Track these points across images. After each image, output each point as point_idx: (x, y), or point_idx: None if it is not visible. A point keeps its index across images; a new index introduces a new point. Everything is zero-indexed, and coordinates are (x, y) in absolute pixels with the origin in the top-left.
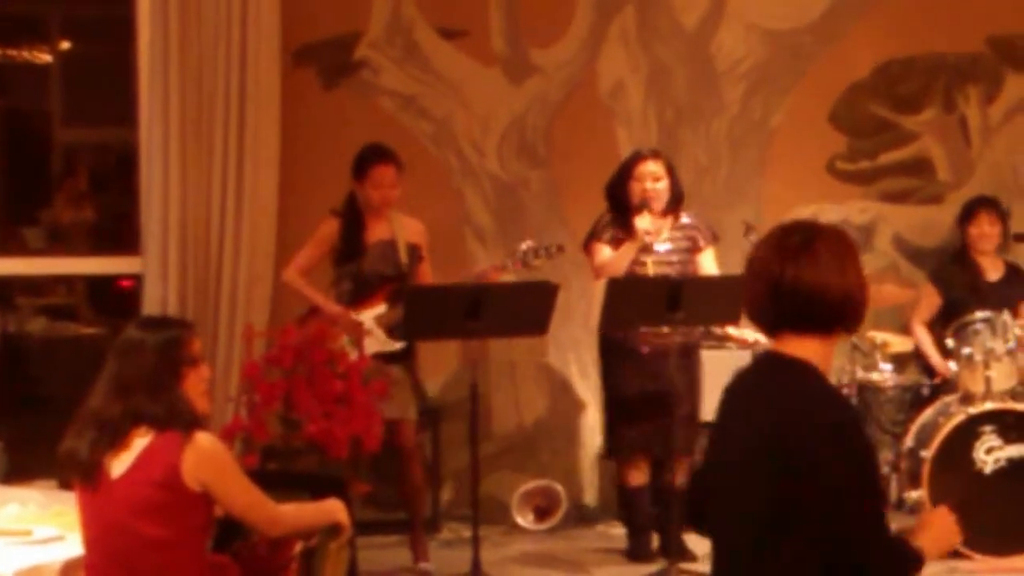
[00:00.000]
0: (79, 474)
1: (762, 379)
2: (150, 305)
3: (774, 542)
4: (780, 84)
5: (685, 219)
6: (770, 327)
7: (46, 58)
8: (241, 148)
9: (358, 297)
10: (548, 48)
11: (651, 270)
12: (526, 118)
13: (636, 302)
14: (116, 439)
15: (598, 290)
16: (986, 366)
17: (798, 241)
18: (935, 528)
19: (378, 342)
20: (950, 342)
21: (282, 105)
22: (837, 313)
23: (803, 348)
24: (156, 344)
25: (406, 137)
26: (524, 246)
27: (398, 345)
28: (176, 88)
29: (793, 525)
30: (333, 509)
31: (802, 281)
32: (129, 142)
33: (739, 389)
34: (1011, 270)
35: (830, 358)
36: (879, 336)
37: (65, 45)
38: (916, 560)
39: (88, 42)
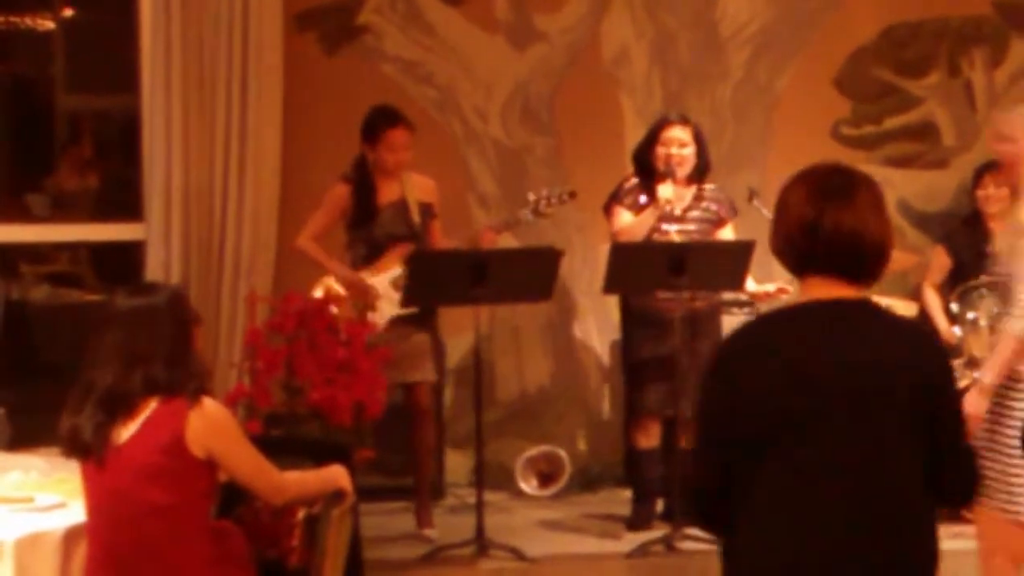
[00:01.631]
0: (84, 452)
1: (857, 319)
2: (153, 272)
3: (913, 462)
4: (785, 49)
5: (709, 191)
6: (799, 268)
7: (49, 25)
8: (243, 114)
9: (372, 260)
10: (552, 14)
11: (677, 240)
12: (530, 84)
13: (640, 266)
14: (128, 412)
15: (602, 256)
16: (991, 331)
17: (838, 183)
18: None
19: (393, 305)
20: (955, 306)
21: (284, 71)
22: (871, 260)
23: (832, 292)
24: (168, 310)
25: (409, 103)
26: (534, 195)
27: (413, 308)
28: (178, 54)
29: (924, 439)
30: (336, 476)
31: (843, 224)
32: (132, 109)
33: (820, 335)
34: None
35: None
36: (884, 301)
37: (68, 12)
38: None
39: (90, 9)
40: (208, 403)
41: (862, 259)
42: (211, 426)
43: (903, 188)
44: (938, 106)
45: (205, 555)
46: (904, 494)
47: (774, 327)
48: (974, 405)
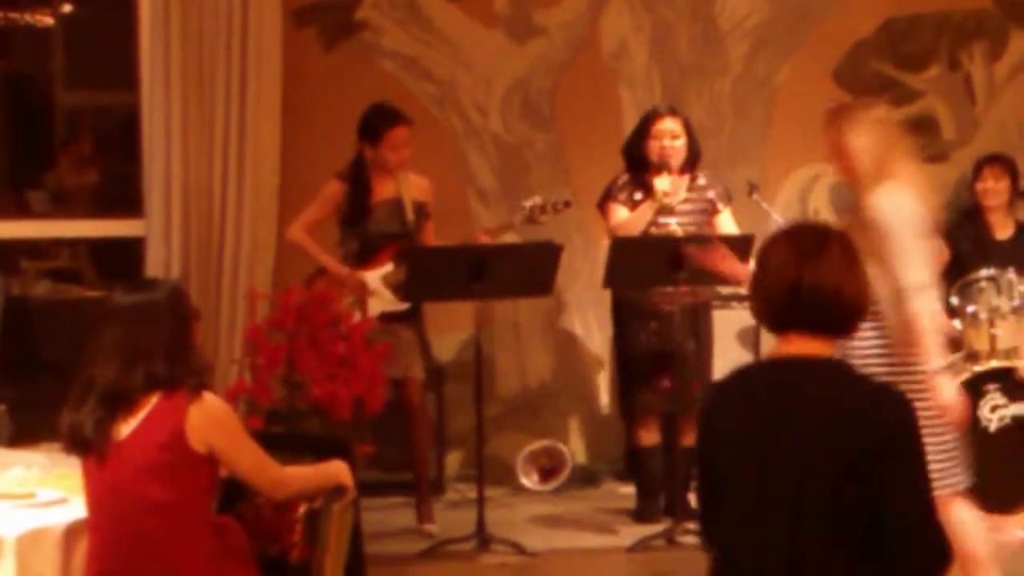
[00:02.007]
0: (85, 448)
1: (815, 381)
2: (153, 268)
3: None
4: (784, 43)
5: (701, 180)
6: (779, 326)
7: (48, 21)
8: (242, 110)
9: (365, 257)
10: (551, 8)
11: (678, 233)
12: (529, 79)
13: (640, 261)
14: (129, 408)
15: (603, 251)
16: (991, 324)
17: (813, 242)
18: None
19: (384, 302)
20: (954, 299)
21: (283, 67)
22: (848, 315)
23: (806, 347)
24: (168, 306)
25: (408, 99)
26: (530, 202)
27: (404, 304)
28: (177, 50)
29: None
30: (337, 471)
31: (822, 283)
32: (132, 105)
33: (777, 393)
34: (1021, 229)
35: None
36: None
37: (67, 8)
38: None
39: (90, 5)
40: (209, 398)
41: (840, 315)
42: (212, 421)
43: None
44: (938, 100)
45: (205, 551)
46: (815, 561)
47: (744, 378)
48: (942, 394)
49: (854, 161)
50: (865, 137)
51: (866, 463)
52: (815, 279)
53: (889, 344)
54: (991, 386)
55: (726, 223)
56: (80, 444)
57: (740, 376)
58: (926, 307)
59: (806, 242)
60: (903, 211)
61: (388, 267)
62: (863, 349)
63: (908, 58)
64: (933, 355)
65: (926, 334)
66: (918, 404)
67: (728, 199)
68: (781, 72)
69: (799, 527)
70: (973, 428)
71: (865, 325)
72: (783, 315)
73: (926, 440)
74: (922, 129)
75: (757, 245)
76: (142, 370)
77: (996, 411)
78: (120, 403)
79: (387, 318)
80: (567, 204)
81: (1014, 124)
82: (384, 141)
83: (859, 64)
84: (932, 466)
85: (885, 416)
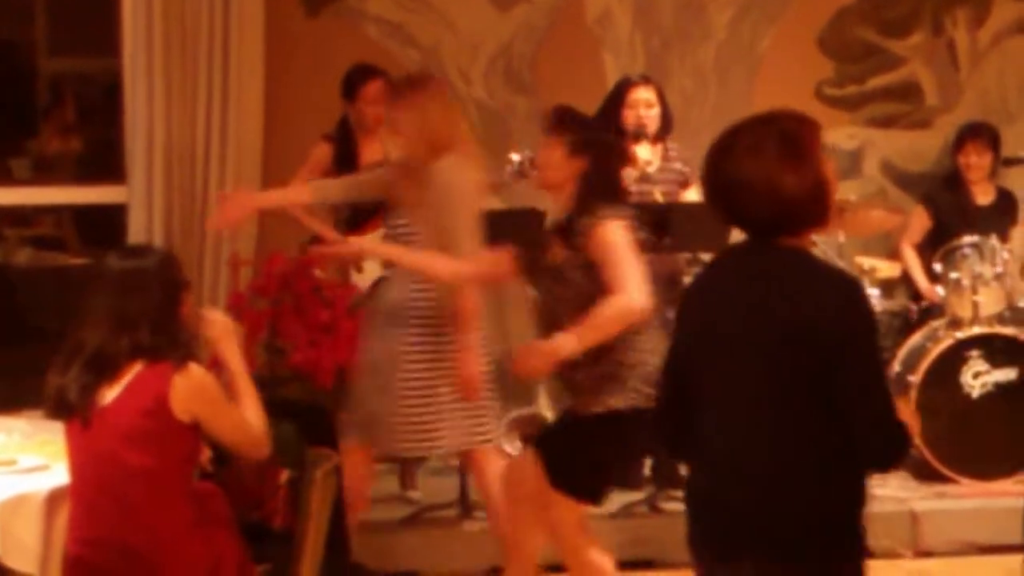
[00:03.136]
0: (69, 412)
1: (767, 264)
2: (135, 234)
3: (801, 414)
4: (768, 9)
5: (673, 150)
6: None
7: None
8: (225, 76)
9: (356, 221)
10: None
11: (661, 200)
12: (513, 45)
13: None
14: (114, 374)
15: None
16: (974, 291)
17: (726, 134)
18: None
19: (377, 267)
20: (938, 266)
21: (266, 32)
22: (760, 208)
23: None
24: (158, 275)
25: (392, 65)
26: (518, 157)
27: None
28: (159, 16)
29: (822, 395)
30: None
31: (721, 174)
32: (114, 71)
33: (734, 275)
34: (1002, 195)
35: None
36: (867, 261)
37: None
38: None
39: None
40: (194, 368)
41: (748, 207)
42: (196, 391)
43: (886, 148)
44: (921, 66)
45: (187, 518)
46: (779, 439)
47: (712, 268)
48: (468, 367)
49: (413, 135)
50: (422, 111)
51: (831, 348)
52: (714, 170)
53: (433, 306)
54: (973, 352)
55: (692, 197)
56: (64, 408)
57: (712, 267)
58: (470, 278)
59: (722, 136)
60: (461, 185)
61: (382, 231)
62: (413, 300)
63: (892, 24)
64: (469, 327)
65: (467, 305)
66: (445, 369)
67: (695, 173)
68: (765, 39)
69: (763, 410)
70: (955, 394)
71: (417, 284)
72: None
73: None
74: (906, 95)
75: None
76: (128, 337)
77: (979, 377)
78: (105, 368)
79: (384, 282)
80: None
81: (997, 90)
82: (360, 96)
83: (843, 30)
84: (466, 423)
85: (850, 308)
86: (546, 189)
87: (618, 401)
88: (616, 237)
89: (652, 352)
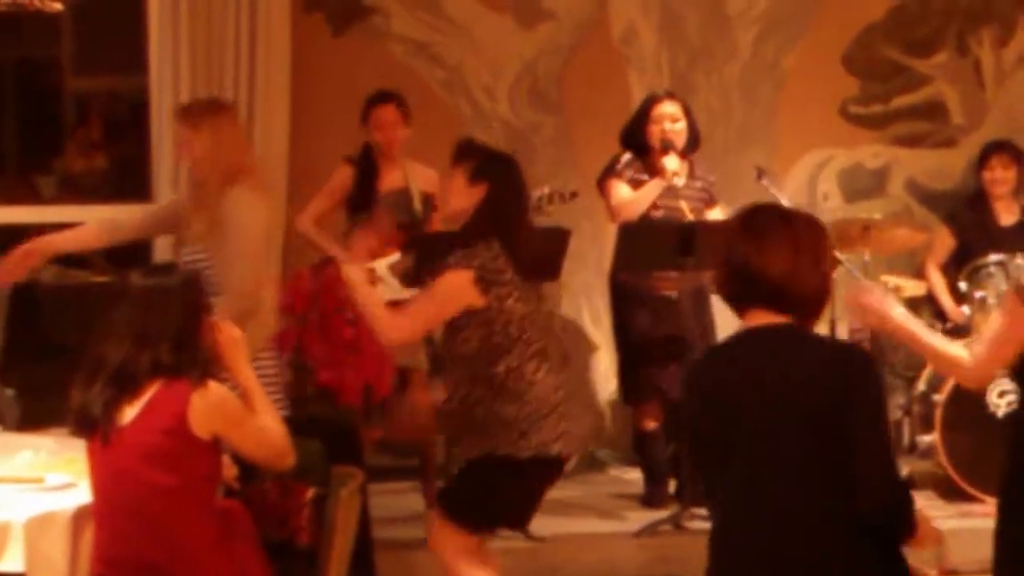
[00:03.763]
0: (91, 429)
1: (775, 345)
2: (161, 254)
3: (816, 488)
4: (793, 27)
5: (698, 168)
6: (738, 305)
7: (57, 7)
8: (251, 95)
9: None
10: None
11: (688, 215)
12: (538, 64)
13: (649, 247)
14: (135, 391)
15: (611, 236)
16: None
17: (756, 223)
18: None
19: (391, 290)
20: (963, 285)
21: (292, 51)
22: (800, 298)
23: (771, 320)
24: (181, 294)
25: (417, 84)
26: (538, 193)
27: (411, 293)
28: (186, 35)
29: (833, 469)
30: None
31: (750, 260)
32: (141, 90)
33: (747, 358)
34: None
35: None
36: (892, 280)
37: None
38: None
39: None
40: (212, 386)
41: (792, 297)
42: (214, 408)
43: (911, 167)
44: (947, 85)
45: (210, 535)
46: (804, 512)
47: (722, 349)
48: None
49: (205, 160)
50: (215, 136)
51: (834, 416)
52: (762, 263)
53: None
54: (999, 371)
55: (718, 215)
56: (87, 424)
57: (717, 348)
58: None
59: (750, 222)
60: (250, 214)
61: (396, 256)
62: None
63: (917, 43)
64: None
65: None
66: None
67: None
68: (790, 57)
69: (781, 484)
70: (981, 414)
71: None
72: (738, 296)
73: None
74: (931, 114)
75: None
76: (148, 354)
77: (1004, 396)
78: (127, 385)
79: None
80: (574, 195)
81: (1022, 109)
82: (370, 120)
83: (868, 49)
84: None
85: (851, 371)
86: (449, 219)
87: (489, 447)
88: (446, 286)
89: (542, 400)
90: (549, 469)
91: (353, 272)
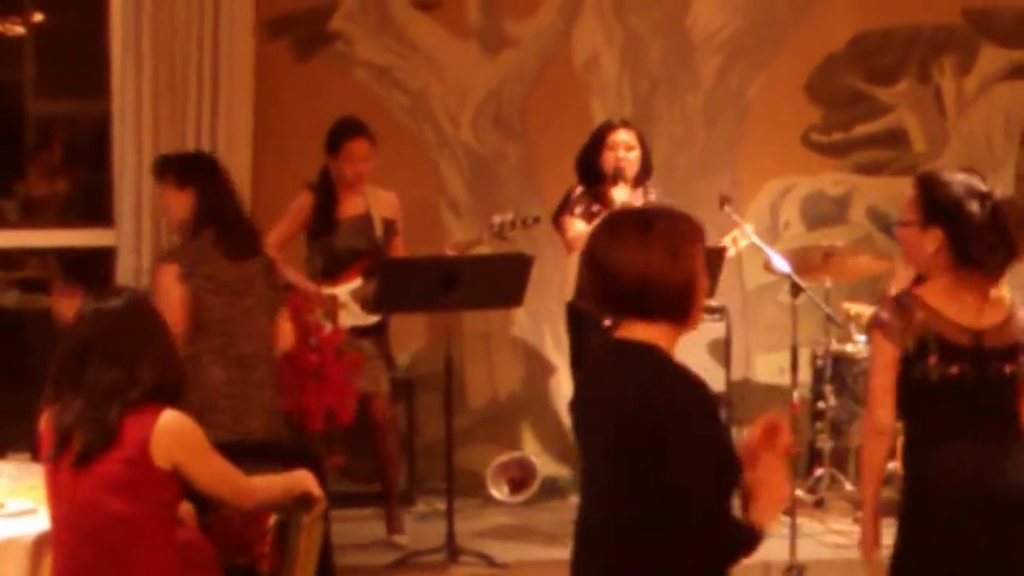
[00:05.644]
0: (62, 450)
1: (614, 365)
2: (123, 277)
3: (636, 526)
4: (756, 56)
5: (652, 195)
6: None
7: (19, 30)
8: (214, 120)
9: (331, 272)
10: (523, 20)
11: None
12: (502, 90)
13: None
14: (124, 409)
15: (571, 263)
16: None
17: (606, 222)
18: (767, 488)
19: (353, 316)
20: None
21: (255, 77)
22: (629, 293)
23: (637, 332)
24: (125, 314)
25: (381, 109)
26: (500, 219)
27: (373, 319)
28: (148, 60)
29: (650, 506)
30: (302, 479)
31: (622, 267)
32: (103, 114)
33: (594, 375)
34: None
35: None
36: (854, 308)
37: (38, 17)
38: (751, 539)
39: (61, 14)
40: (172, 415)
41: (632, 295)
42: (176, 439)
43: (873, 194)
44: (908, 113)
45: (170, 565)
46: (604, 526)
47: (590, 364)
48: None
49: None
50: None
51: (647, 442)
52: (616, 263)
53: None
54: None
55: None
56: (63, 446)
57: (591, 362)
58: None
59: (610, 227)
60: None
61: (357, 282)
62: None
63: (879, 71)
64: None
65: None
66: None
67: None
68: (753, 85)
69: (594, 501)
70: None
71: None
72: (604, 303)
73: None
74: (893, 142)
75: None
76: (125, 373)
77: None
78: (114, 403)
79: (354, 333)
80: (536, 220)
81: (983, 137)
82: (342, 153)
83: (830, 77)
84: None
85: (666, 398)
86: (176, 231)
87: None
88: (158, 281)
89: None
90: None
91: None
